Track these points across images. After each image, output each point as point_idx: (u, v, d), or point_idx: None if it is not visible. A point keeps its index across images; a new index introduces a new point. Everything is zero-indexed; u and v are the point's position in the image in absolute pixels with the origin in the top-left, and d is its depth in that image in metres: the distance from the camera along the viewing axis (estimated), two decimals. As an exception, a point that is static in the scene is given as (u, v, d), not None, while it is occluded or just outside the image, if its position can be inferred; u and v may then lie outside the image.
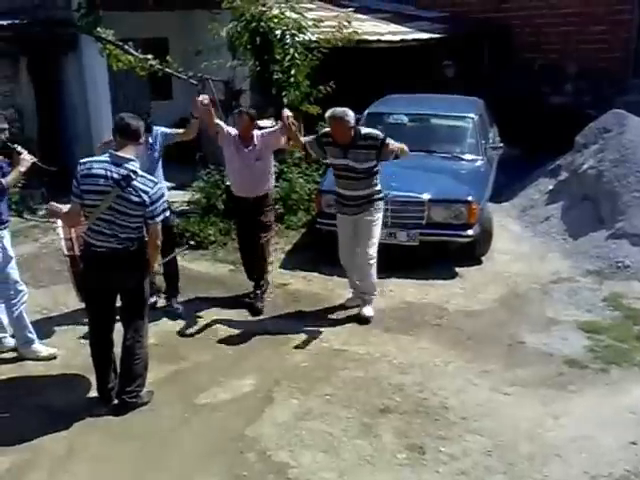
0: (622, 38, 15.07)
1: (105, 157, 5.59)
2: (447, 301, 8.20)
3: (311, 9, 12.44)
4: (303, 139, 7.84)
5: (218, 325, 7.66)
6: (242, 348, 7.12)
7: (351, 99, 11.35)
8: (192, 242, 8.24)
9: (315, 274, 8.88)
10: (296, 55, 10.60)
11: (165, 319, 7.75)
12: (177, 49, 13.57)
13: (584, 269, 8.99)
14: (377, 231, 7.61)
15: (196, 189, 11.15)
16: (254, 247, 8.11)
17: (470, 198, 9.00)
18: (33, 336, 6.79)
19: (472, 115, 10.75)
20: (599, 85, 14.73)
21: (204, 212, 10.61)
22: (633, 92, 13.98)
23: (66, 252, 6.04)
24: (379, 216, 7.63)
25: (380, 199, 7.62)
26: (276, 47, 10.72)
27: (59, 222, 6.23)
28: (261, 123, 8.33)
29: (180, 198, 11.54)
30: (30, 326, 6.78)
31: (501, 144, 11.16)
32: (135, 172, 5.51)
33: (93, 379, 6.09)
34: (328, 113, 7.48)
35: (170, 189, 12.39)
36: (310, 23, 11.01)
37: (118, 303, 5.93)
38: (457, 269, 9.13)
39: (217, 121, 7.93)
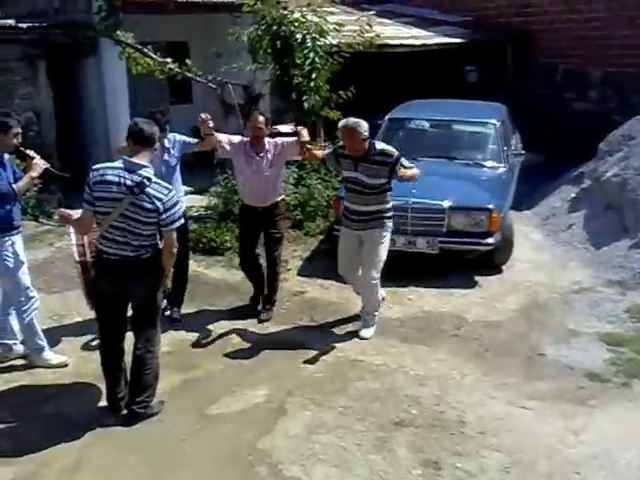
0: (648, 43, 14.83)
1: (118, 163, 5.48)
2: (466, 311, 8.06)
3: (333, 13, 12.34)
4: (321, 153, 7.70)
5: (231, 333, 7.56)
6: (256, 357, 7.00)
7: (372, 104, 11.34)
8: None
9: (332, 282, 8.70)
10: (317, 59, 10.53)
11: (177, 326, 7.66)
12: (198, 53, 13.57)
13: (606, 279, 8.80)
14: (383, 251, 7.33)
15: (213, 194, 11.08)
16: (268, 261, 7.97)
17: (491, 206, 8.85)
18: (44, 343, 6.70)
19: (494, 121, 10.59)
20: (624, 91, 14.52)
21: (221, 218, 10.54)
22: (659, 98, 13.77)
23: (77, 258, 5.92)
24: (387, 235, 7.36)
25: (389, 218, 7.34)
26: (297, 51, 10.68)
27: (71, 227, 6.13)
28: (281, 128, 8.20)
29: (197, 203, 11.49)
30: (41, 333, 6.69)
31: (523, 151, 10.99)
32: (149, 179, 5.39)
33: (103, 388, 5.99)
34: (341, 123, 7.31)
35: (188, 194, 12.41)
36: (331, 27, 10.91)
37: (129, 311, 5.83)
38: (477, 278, 8.97)
39: (219, 137, 7.59)
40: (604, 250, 9.56)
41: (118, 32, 11.46)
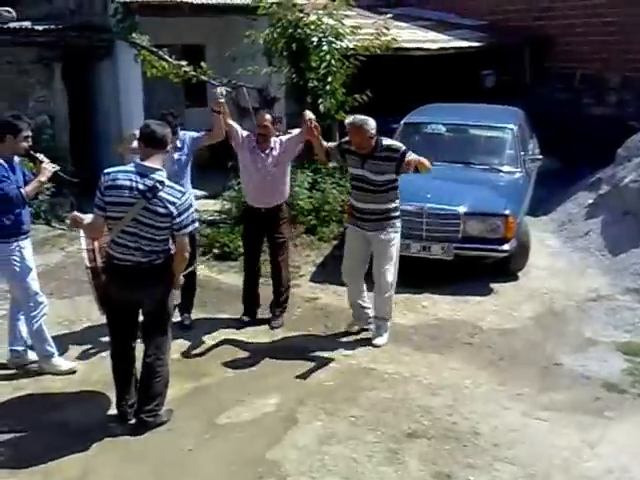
0: (668, 47, 14.64)
1: (130, 167, 5.38)
2: (481, 318, 7.95)
3: (349, 16, 12.25)
4: (326, 144, 7.52)
5: (243, 340, 7.48)
6: (266, 365, 6.91)
7: (388, 108, 11.25)
8: (197, 264, 7.98)
9: (345, 288, 8.52)
10: (332, 62, 10.44)
11: (188, 333, 7.58)
12: (214, 56, 13.54)
13: (624, 287, 8.66)
14: (395, 253, 7.22)
15: (227, 198, 11.00)
16: (273, 266, 7.88)
17: (507, 212, 8.75)
18: (53, 349, 6.62)
19: (511, 126, 10.47)
20: (643, 96, 14.35)
21: (234, 222, 10.43)
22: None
23: (88, 264, 5.78)
24: (397, 237, 7.24)
25: (398, 217, 7.26)
26: (312, 54, 10.59)
27: (82, 232, 6.05)
28: (295, 132, 8.10)
29: (211, 207, 11.43)
30: (50, 339, 6.60)
31: (540, 156, 10.86)
32: (162, 182, 5.29)
33: (112, 395, 5.92)
34: (348, 120, 7.26)
35: (201, 198, 12.36)
36: (347, 30, 10.83)
37: (141, 317, 5.74)
38: (492, 285, 8.87)
39: (230, 122, 7.57)
40: (622, 257, 9.41)
41: (134, 35, 11.45)
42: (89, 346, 7.17)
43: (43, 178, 6.32)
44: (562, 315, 8.06)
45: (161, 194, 5.25)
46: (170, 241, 5.46)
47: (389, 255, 7.17)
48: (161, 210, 5.25)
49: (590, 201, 11.13)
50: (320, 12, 10.82)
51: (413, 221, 8.74)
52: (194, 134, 7.63)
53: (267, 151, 7.52)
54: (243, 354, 7.15)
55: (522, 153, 10.22)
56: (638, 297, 8.35)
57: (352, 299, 7.57)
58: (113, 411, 5.87)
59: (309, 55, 10.60)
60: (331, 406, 6.04)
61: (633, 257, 9.25)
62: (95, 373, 6.56)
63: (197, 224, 5.60)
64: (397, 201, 7.25)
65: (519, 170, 9.99)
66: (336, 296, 8.51)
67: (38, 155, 6.41)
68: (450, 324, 7.83)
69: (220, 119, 7.37)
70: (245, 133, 7.66)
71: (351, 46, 11.01)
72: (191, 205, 5.45)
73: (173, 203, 5.26)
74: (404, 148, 7.09)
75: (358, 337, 7.51)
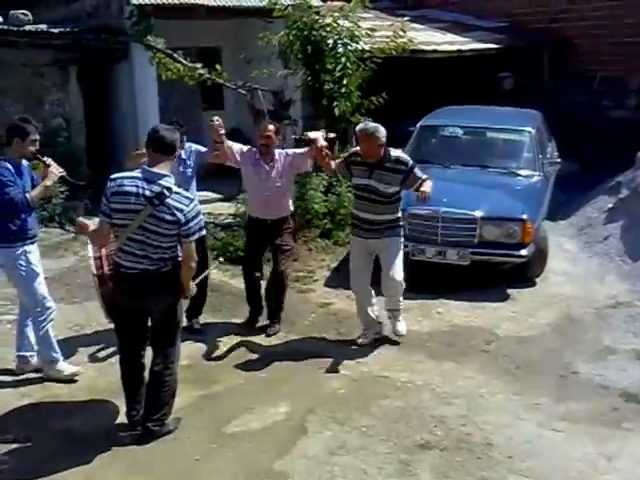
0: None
1: (137, 173, 5.24)
2: (497, 325, 7.80)
3: (365, 18, 12.17)
4: (334, 165, 7.40)
5: (254, 345, 7.39)
6: (277, 372, 6.80)
7: (404, 110, 11.13)
8: (222, 259, 7.85)
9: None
10: (348, 65, 10.35)
11: (199, 338, 7.49)
12: (231, 58, 13.49)
13: (644, 293, 8.49)
14: (401, 255, 7.20)
15: (241, 201, 10.89)
16: (274, 276, 7.70)
17: (524, 216, 8.61)
18: (58, 355, 6.52)
19: (529, 129, 10.33)
20: (664, 99, 14.16)
21: (249, 226, 10.36)
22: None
23: (95, 271, 5.67)
24: (400, 242, 7.21)
25: (401, 226, 7.23)
26: (328, 56, 10.49)
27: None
28: (311, 134, 8.04)
29: (226, 210, 11.37)
30: (56, 345, 6.51)
31: (558, 159, 10.70)
32: (169, 189, 5.15)
33: (119, 403, 5.86)
34: (359, 127, 7.19)
35: (216, 201, 12.32)
36: (363, 32, 10.73)
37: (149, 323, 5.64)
38: (509, 290, 8.72)
39: (227, 143, 7.39)
40: (642, 263, 9.24)
41: (149, 37, 11.43)
42: (98, 352, 7.10)
43: (49, 182, 6.25)
44: (580, 322, 7.90)
45: (168, 201, 5.12)
46: (178, 248, 5.33)
47: (397, 260, 7.14)
48: (168, 217, 5.12)
49: (610, 205, 10.95)
50: (336, 14, 10.71)
51: (428, 225, 8.68)
52: (201, 148, 7.52)
53: (271, 163, 7.45)
54: (254, 360, 7.05)
55: (540, 156, 10.06)
56: (659, 304, 8.18)
57: (362, 307, 7.43)
58: (120, 419, 5.78)
59: (324, 57, 10.50)
60: (342, 415, 5.91)
61: (653, 263, 9.08)
62: (103, 380, 6.47)
63: (204, 231, 5.43)
64: (399, 213, 7.21)
65: (537, 174, 9.84)
66: (350, 301, 8.32)
67: (45, 159, 6.34)
68: (465, 331, 7.68)
69: (224, 148, 7.28)
70: (245, 148, 7.58)
71: (367, 48, 10.91)
72: (199, 212, 5.32)
73: (180, 210, 5.13)
74: (412, 162, 7.05)
75: (372, 343, 7.36)
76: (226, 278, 9.22)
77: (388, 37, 11.17)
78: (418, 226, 8.71)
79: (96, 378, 6.57)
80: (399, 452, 5.39)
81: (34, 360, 6.66)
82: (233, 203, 11.26)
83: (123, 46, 12.80)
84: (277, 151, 7.52)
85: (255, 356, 7.14)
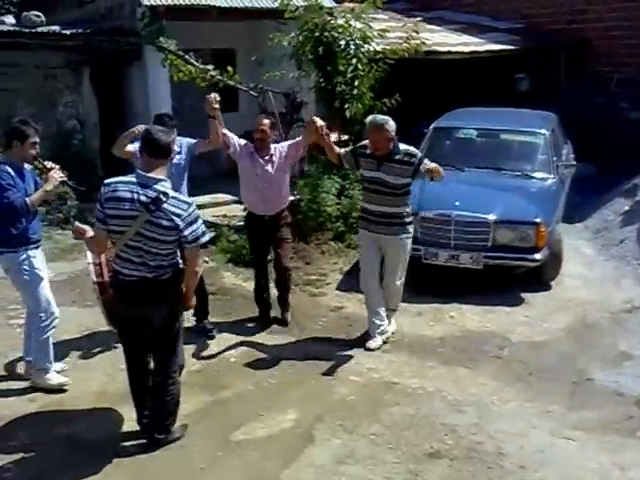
0: None
1: (131, 177, 5.08)
2: (510, 330, 7.68)
3: (380, 19, 12.11)
4: (338, 150, 7.44)
5: (265, 349, 7.32)
6: (287, 377, 6.72)
7: (419, 112, 11.04)
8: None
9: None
10: (359, 66, 10.26)
11: (209, 342, 7.45)
12: (245, 60, 13.42)
13: (661, 298, 8.35)
14: (407, 259, 7.28)
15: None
16: (276, 270, 7.90)
17: (538, 220, 8.49)
18: (51, 365, 6.41)
19: (544, 131, 10.19)
20: (682, 100, 13.98)
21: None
22: None
23: (95, 279, 5.56)
24: (410, 241, 7.25)
25: (410, 223, 7.22)
26: (339, 58, 10.40)
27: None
28: (297, 139, 8.01)
29: (240, 212, 11.28)
30: (52, 354, 6.41)
31: (574, 162, 10.57)
32: (166, 194, 4.99)
33: (126, 410, 5.78)
34: (369, 119, 7.19)
35: (230, 203, 12.25)
36: (375, 33, 10.64)
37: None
38: (523, 294, 8.61)
39: (225, 131, 7.45)
40: (659, 267, 9.09)
41: (161, 39, 11.40)
42: (107, 357, 7.03)
43: (49, 187, 6.15)
44: (595, 327, 7.78)
45: (165, 206, 4.96)
46: (178, 255, 5.22)
47: (402, 261, 7.25)
48: (165, 223, 4.96)
49: (626, 208, 10.85)
50: (348, 15, 10.64)
51: (441, 229, 8.59)
52: (191, 140, 7.47)
53: (266, 157, 7.49)
54: (264, 365, 6.96)
55: (555, 159, 9.91)
56: (676, 309, 8.04)
57: (372, 308, 7.41)
58: (125, 427, 5.72)
59: (336, 59, 10.43)
60: (351, 423, 5.82)
61: (671, 267, 8.96)
62: (112, 385, 6.41)
63: (207, 237, 5.24)
64: (409, 206, 7.22)
65: (552, 176, 9.70)
66: (362, 305, 8.22)
67: (46, 163, 6.27)
68: (478, 336, 7.57)
69: (216, 124, 7.19)
70: (242, 141, 7.61)
71: (379, 49, 10.82)
72: (199, 216, 5.14)
73: (179, 215, 4.97)
74: (421, 154, 7.12)
75: (383, 349, 7.28)
76: (239, 281, 9.17)
77: (401, 38, 11.07)
78: (431, 229, 8.62)
79: (105, 384, 6.50)
80: (408, 461, 5.29)
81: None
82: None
83: (136, 47, 12.78)
84: (273, 145, 7.56)
85: (265, 361, 7.06)
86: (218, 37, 13.65)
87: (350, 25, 10.45)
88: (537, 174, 9.72)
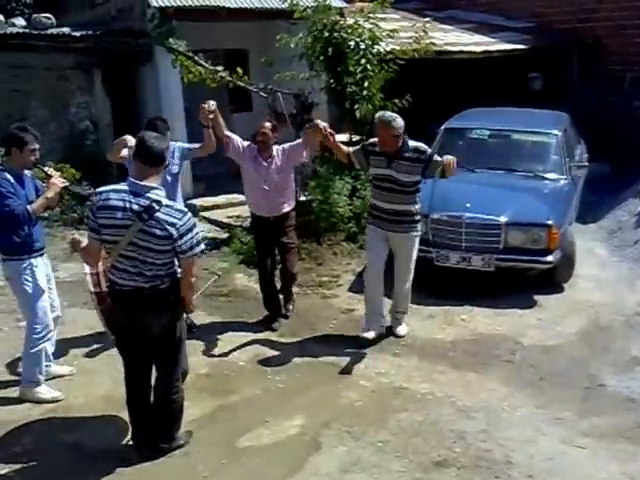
0: None
1: (123, 186, 4.98)
2: (522, 334, 7.59)
3: (388, 19, 12.03)
4: (347, 149, 7.48)
5: (274, 353, 7.28)
6: (295, 381, 6.66)
7: (431, 112, 10.95)
8: (220, 273, 7.68)
9: (385, 300, 8.07)
10: (368, 66, 10.19)
11: (219, 345, 7.41)
12: (257, 61, 13.34)
13: (676, 300, 8.23)
14: (415, 254, 7.33)
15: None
16: (282, 275, 8.00)
17: (550, 222, 8.40)
18: (42, 378, 6.32)
19: (556, 131, 10.08)
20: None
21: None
22: None
23: (92, 289, 5.47)
24: (418, 239, 7.32)
25: (418, 221, 7.28)
26: (349, 58, 10.33)
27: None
28: (299, 141, 7.98)
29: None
30: (43, 367, 6.34)
31: (586, 162, 10.47)
32: (159, 202, 4.88)
33: (130, 417, 5.74)
34: (377, 115, 7.25)
35: (246, 203, 12.19)
36: (384, 33, 10.56)
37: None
38: (535, 297, 8.51)
39: (227, 132, 7.53)
40: (674, 268, 8.98)
41: (170, 40, 11.38)
42: (114, 360, 6.88)
43: (50, 194, 6.06)
44: (608, 330, 7.68)
45: (158, 215, 4.85)
46: (176, 263, 5.11)
47: (410, 259, 7.30)
48: (159, 232, 4.85)
49: (640, 208, 10.73)
50: (357, 16, 10.57)
51: (452, 231, 8.51)
52: (184, 145, 7.52)
53: (269, 159, 7.53)
54: (273, 369, 6.91)
55: (567, 159, 9.81)
56: (691, 312, 7.93)
57: (371, 297, 7.50)
58: (130, 435, 5.64)
59: (346, 59, 10.36)
60: (358, 429, 5.75)
61: (686, 268, 8.85)
62: (118, 390, 6.20)
63: (202, 246, 5.12)
64: (418, 204, 7.26)
65: (564, 177, 9.59)
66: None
67: (47, 169, 6.24)
68: (490, 340, 7.49)
69: (210, 132, 7.19)
70: (246, 143, 7.64)
71: (388, 50, 10.75)
72: (195, 225, 5.04)
73: (173, 224, 4.86)
74: (430, 150, 7.19)
75: (393, 352, 7.23)
76: (251, 283, 9.08)
77: (411, 38, 11.00)
78: (442, 231, 8.56)
79: (112, 389, 6.40)
80: (414, 470, 5.21)
81: (52, 369, 6.59)
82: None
83: (146, 49, 12.76)
84: (275, 147, 7.59)
85: (274, 365, 7.01)
86: (230, 38, 13.62)
87: (359, 25, 10.37)
88: (549, 175, 9.62)
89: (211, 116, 7.09)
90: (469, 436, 5.64)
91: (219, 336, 7.66)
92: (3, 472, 5.26)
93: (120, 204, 4.88)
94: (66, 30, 12.71)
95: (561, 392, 6.37)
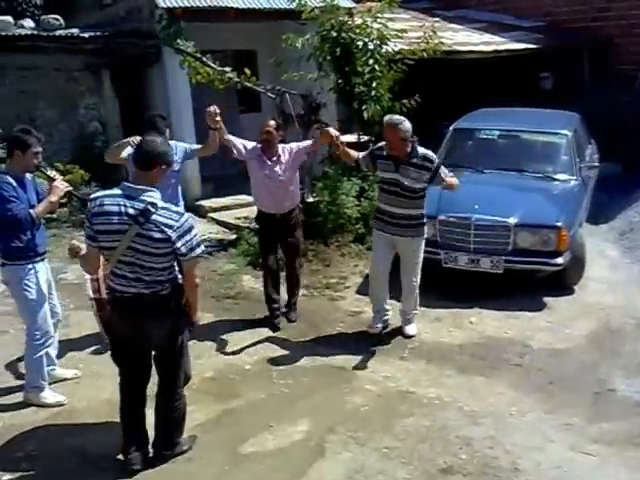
0: None
1: (118, 190, 4.88)
2: (531, 337, 7.49)
3: (398, 19, 11.95)
4: (355, 155, 7.48)
5: (280, 356, 7.22)
6: (300, 385, 6.59)
7: (441, 113, 10.88)
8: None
9: (392, 301, 8.02)
10: (376, 67, 10.11)
11: (225, 348, 7.37)
12: (266, 61, 13.29)
13: (688, 303, 8.12)
14: (421, 257, 7.36)
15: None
16: (287, 274, 8.10)
17: (559, 223, 8.30)
18: (45, 383, 6.27)
19: (566, 132, 9.98)
20: None
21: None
22: None
23: (92, 295, 5.34)
24: (423, 242, 7.34)
25: (424, 224, 7.30)
26: (358, 58, 10.26)
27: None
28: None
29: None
30: (45, 372, 6.28)
31: (597, 163, 10.36)
32: (154, 204, 4.78)
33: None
34: (385, 118, 7.29)
35: (254, 204, 12.14)
36: (393, 33, 10.48)
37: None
38: (545, 299, 8.41)
39: (228, 137, 7.54)
40: (686, 270, 8.87)
41: (178, 41, 11.33)
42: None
43: (54, 198, 5.96)
44: (619, 334, 7.57)
45: (154, 217, 4.74)
46: (176, 269, 5.00)
47: (417, 261, 7.35)
48: (156, 235, 4.74)
49: (653, 209, 10.62)
50: (365, 16, 10.49)
51: (461, 232, 8.44)
52: (185, 145, 7.52)
53: (274, 158, 7.58)
54: (278, 373, 6.85)
55: (578, 160, 9.71)
56: (703, 315, 7.82)
57: (377, 299, 7.70)
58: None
59: (354, 59, 10.29)
60: (363, 435, 5.67)
61: (698, 270, 8.74)
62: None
63: (202, 248, 5.00)
64: (424, 208, 7.28)
65: (574, 178, 9.48)
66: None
67: (50, 172, 6.14)
68: (498, 343, 7.40)
69: (216, 135, 7.26)
70: (250, 144, 7.68)
71: (396, 50, 10.67)
72: (192, 226, 4.91)
73: (170, 226, 4.75)
74: (438, 160, 7.20)
75: (400, 356, 7.15)
76: (258, 285, 8.99)
77: (419, 38, 10.92)
78: (450, 233, 8.49)
79: (116, 393, 6.08)
80: (420, 477, 5.13)
81: (56, 373, 6.55)
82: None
83: (155, 50, 12.74)
84: (280, 146, 7.64)
85: (279, 368, 6.94)
86: (239, 38, 13.57)
87: (368, 25, 10.29)
88: (559, 176, 9.51)
89: (218, 118, 7.11)
90: (476, 442, 5.55)
91: (225, 338, 7.62)
92: (5, 478, 5.22)
93: (115, 209, 4.78)
94: (75, 31, 12.71)
95: (570, 397, 6.27)
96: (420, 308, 7.75)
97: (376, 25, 10.32)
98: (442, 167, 7.09)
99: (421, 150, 7.04)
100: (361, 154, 7.47)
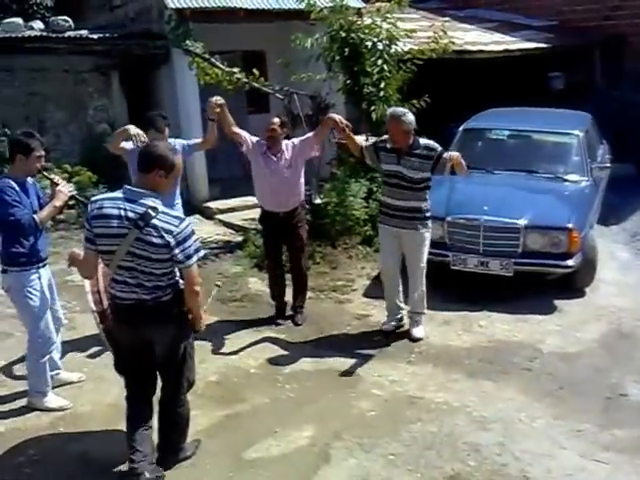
0: None
1: (118, 193, 4.79)
2: (541, 340, 7.38)
3: (408, 19, 11.86)
4: (361, 142, 7.54)
5: (286, 359, 7.13)
6: (306, 390, 6.49)
7: (449, 113, 10.78)
8: (220, 283, 7.47)
9: (401, 304, 7.94)
10: (385, 67, 10.03)
11: (229, 351, 7.30)
12: (276, 62, 13.24)
13: (700, 306, 8.00)
14: (426, 251, 7.31)
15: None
16: (293, 274, 8.09)
17: (570, 225, 8.19)
18: (48, 388, 6.20)
19: (577, 132, 9.85)
20: None
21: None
22: None
23: (94, 307, 5.23)
24: (429, 236, 7.30)
25: (429, 218, 7.26)
26: (366, 59, 10.18)
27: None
28: (310, 134, 7.90)
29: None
30: (49, 377, 6.20)
31: (608, 164, 10.23)
32: (154, 208, 4.67)
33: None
34: (389, 110, 7.44)
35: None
36: (402, 33, 10.40)
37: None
38: (556, 302, 8.30)
39: (236, 129, 7.58)
40: (699, 272, 8.75)
41: (187, 42, 11.30)
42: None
43: (58, 203, 5.88)
44: (631, 337, 7.46)
45: (154, 222, 4.64)
46: (177, 275, 4.88)
47: (422, 255, 7.29)
48: (156, 240, 4.64)
49: (665, 210, 10.51)
50: (374, 16, 10.42)
51: (470, 234, 8.34)
52: (184, 141, 7.49)
53: (279, 154, 7.56)
54: (284, 377, 6.76)
55: (589, 161, 9.59)
56: None
57: (390, 297, 7.68)
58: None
59: (363, 60, 10.21)
60: (369, 441, 5.57)
61: None
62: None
63: (202, 253, 4.90)
64: (428, 201, 7.25)
65: (585, 179, 9.36)
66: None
67: (52, 176, 6.07)
68: (508, 346, 7.29)
69: (214, 127, 7.24)
70: (255, 139, 7.67)
71: (405, 50, 10.59)
72: (192, 232, 4.80)
73: (170, 232, 4.64)
74: (441, 148, 7.15)
75: (408, 360, 7.05)
76: (264, 287, 8.91)
77: (429, 38, 10.83)
78: (459, 235, 8.39)
79: (120, 397, 5.94)
80: (426, 485, 5.05)
81: (60, 377, 6.50)
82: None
83: (163, 51, 12.72)
84: (285, 142, 7.62)
85: (285, 372, 6.86)
86: (248, 39, 13.51)
87: (377, 26, 10.21)
88: (570, 177, 9.38)
89: (217, 110, 7.09)
90: (484, 449, 5.45)
91: (230, 341, 7.54)
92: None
93: (115, 212, 4.69)
94: (84, 33, 12.70)
95: (581, 402, 6.16)
96: (428, 311, 7.64)
97: (385, 25, 10.24)
98: (445, 153, 7.08)
99: (423, 141, 7.09)
100: (365, 143, 7.54)
